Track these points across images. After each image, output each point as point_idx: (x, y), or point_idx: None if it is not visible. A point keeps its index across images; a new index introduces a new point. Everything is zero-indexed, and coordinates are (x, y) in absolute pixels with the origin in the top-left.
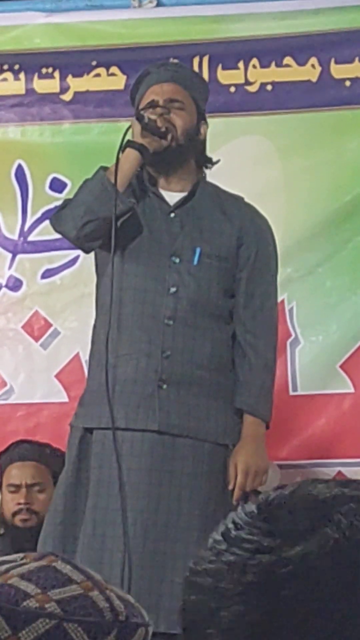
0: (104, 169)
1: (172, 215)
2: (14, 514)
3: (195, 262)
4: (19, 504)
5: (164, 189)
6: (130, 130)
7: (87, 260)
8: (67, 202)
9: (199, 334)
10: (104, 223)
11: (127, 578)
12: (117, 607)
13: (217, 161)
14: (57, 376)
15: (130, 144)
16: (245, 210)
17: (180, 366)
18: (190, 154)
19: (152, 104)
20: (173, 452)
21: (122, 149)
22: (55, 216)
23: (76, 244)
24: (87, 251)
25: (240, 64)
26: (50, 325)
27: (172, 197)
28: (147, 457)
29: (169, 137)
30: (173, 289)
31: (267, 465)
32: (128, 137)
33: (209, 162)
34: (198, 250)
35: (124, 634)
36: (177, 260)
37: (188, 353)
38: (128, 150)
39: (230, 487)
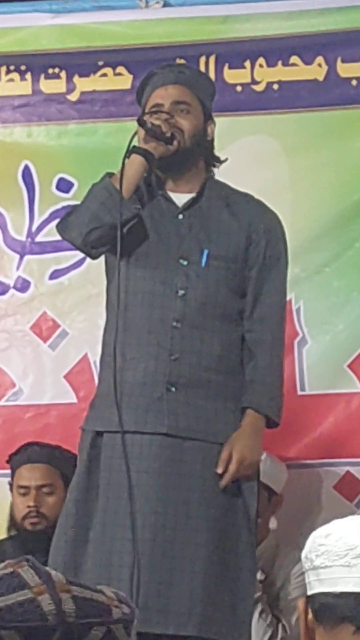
0: (110, 175)
1: (181, 217)
2: (24, 517)
3: (203, 264)
4: (29, 506)
5: (173, 190)
6: (136, 136)
7: (95, 261)
8: (73, 209)
9: (207, 336)
10: (110, 230)
11: (137, 580)
12: (66, 610)
13: (225, 159)
14: (65, 377)
15: (134, 150)
16: (254, 207)
17: (189, 369)
18: (198, 156)
19: (158, 107)
20: (182, 455)
21: (127, 154)
22: (61, 223)
23: (83, 251)
24: (94, 257)
25: (247, 64)
26: (58, 326)
27: (180, 198)
28: (155, 460)
29: (176, 142)
30: (181, 292)
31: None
32: (135, 142)
33: (217, 161)
34: (205, 252)
35: (70, 635)
36: (185, 263)
37: (196, 355)
38: (133, 156)
39: (220, 471)
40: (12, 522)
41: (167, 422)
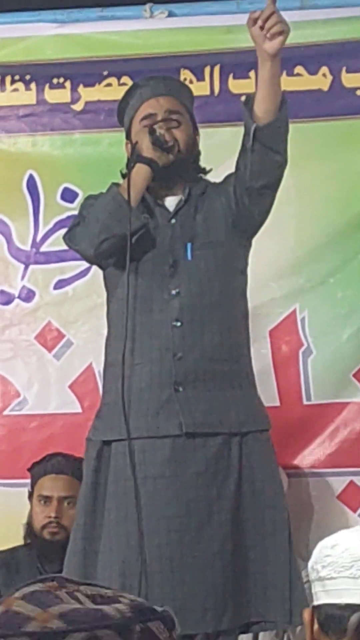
0: (116, 185)
1: (173, 221)
2: (43, 526)
3: (189, 257)
4: (49, 517)
5: (165, 197)
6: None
7: (99, 271)
8: (79, 220)
9: (208, 329)
10: (120, 240)
11: (145, 588)
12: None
13: (210, 170)
14: (70, 387)
15: (140, 159)
16: (226, 183)
17: (194, 365)
18: (189, 166)
19: (151, 118)
20: (194, 453)
21: (132, 163)
22: (69, 234)
23: (92, 262)
24: (104, 268)
25: (252, 74)
26: (63, 335)
27: (171, 204)
28: (171, 463)
29: (175, 151)
30: (175, 291)
31: None
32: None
33: (202, 172)
34: (189, 245)
35: None
36: (172, 261)
37: (199, 350)
38: (138, 165)
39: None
40: (30, 531)
41: (180, 423)
